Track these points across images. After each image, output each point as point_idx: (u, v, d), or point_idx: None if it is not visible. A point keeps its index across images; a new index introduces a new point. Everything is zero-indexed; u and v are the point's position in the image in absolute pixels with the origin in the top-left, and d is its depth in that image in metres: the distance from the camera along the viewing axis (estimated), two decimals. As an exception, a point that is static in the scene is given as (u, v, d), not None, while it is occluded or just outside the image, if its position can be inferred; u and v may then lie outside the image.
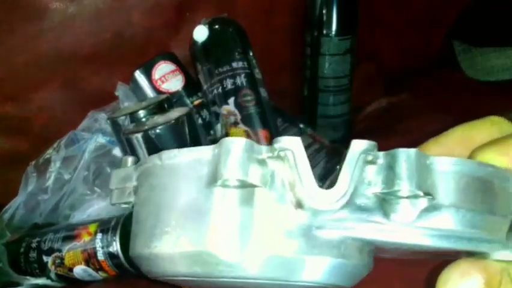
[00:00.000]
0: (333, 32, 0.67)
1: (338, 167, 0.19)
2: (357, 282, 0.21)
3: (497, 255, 0.20)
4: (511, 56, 0.80)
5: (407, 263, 0.47)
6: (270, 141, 0.56)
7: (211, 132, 0.59)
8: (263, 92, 0.58)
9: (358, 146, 0.18)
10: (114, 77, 0.61)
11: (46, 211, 0.58)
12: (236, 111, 0.56)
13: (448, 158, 0.19)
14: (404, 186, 0.17)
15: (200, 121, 0.60)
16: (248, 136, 0.54)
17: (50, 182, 0.58)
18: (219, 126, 0.57)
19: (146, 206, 0.20)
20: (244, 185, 0.18)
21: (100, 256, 0.51)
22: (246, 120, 0.55)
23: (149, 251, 0.19)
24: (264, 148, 0.18)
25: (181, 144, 0.47)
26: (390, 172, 0.18)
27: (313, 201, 0.18)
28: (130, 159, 0.23)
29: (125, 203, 0.22)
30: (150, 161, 0.20)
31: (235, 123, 0.55)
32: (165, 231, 0.19)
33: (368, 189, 0.18)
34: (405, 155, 0.18)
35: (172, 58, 0.62)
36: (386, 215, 0.18)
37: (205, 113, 0.60)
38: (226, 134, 0.56)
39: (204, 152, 0.19)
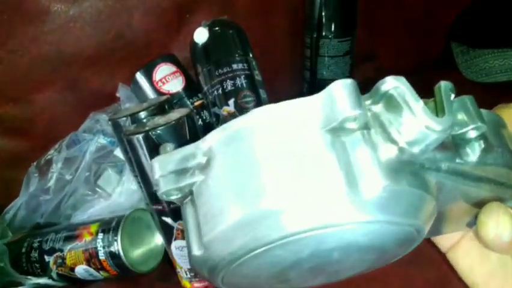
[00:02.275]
0: (333, 34, 0.68)
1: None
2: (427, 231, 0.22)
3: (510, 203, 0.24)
4: (509, 58, 0.80)
5: (407, 263, 0.47)
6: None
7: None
8: (263, 94, 0.58)
9: (446, 85, 0.20)
10: (115, 78, 0.62)
11: (48, 211, 0.58)
12: (236, 113, 0.56)
13: (483, 110, 0.22)
14: (474, 126, 0.20)
15: (200, 122, 0.60)
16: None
17: (51, 183, 0.58)
18: (219, 127, 0.57)
19: (232, 172, 0.19)
20: (360, 127, 0.18)
21: (101, 256, 0.51)
22: (246, 121, 0.55)
23: (250, 210, 0.18)
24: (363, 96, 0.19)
25: (182, 144, 0.47)
26: (458, 114, 0.20)
27: (431, 130, 0.18)
28: (169, 145, 0.21)
29: (179, 189, 0.20)
30: (230, 128, 0.19)
31: (235, 124, 0.55)
32: (271, 184, 0.18)
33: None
34: (470, 100, 0.21)
35: (173, 60, 0.62)
36: (459, 155, 0.21)
37: (205, 114, 0.61)
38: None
39: (303, 102, 0.18)
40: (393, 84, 0.18)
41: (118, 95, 0.61)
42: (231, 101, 0.56)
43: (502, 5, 0.83)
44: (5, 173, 0.63)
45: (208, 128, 0.60)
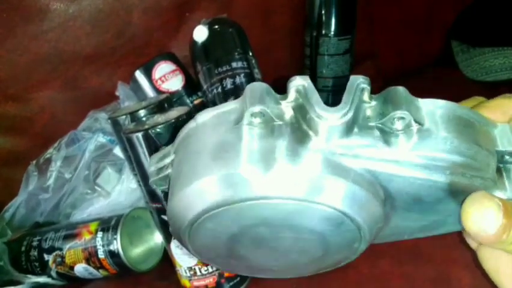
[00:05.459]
0: (332, 32, 0.67)
1: None
2: (372, 225, 0.23)
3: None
4: (509, 56, 0.80)
5: (406, 261, 0.47)
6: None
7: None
8: (262, 92, 0.58)
9: (355, 78, 0.22)
10: (114, 77, 0.62)
11: (47, 210, 0.58)
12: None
13: (431, 99, 0.23)
14: (397, 112, 0.21)
15: (200, 121, 0.60)
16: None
17: (51, 181, 0.58)
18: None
19: (182, 162, 0.23)
20: (266, 120, 0.21)
21: (101, 254, 0.51)
22: (246, 119, 0.55)
23: (190, 186, 0.22)
24: (278, 96, 0.22)
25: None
26: (384, 105, 0.22)
27: (324, 120, 0.21)
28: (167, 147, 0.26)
29: (162, 179, 0.25)
30: (186, 128, 0.24)
31: (235, 123, 0.55)
32: (202, 167, 0.22)
33: (369, 122, 0.22)
34: (395, 90, 0.22)
35: (172, 58, 0.62)
36: (386, 143, 0.21)
37: (205, 112, 0.61)
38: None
39: (230, 104, 0.23)
40: (299, 82, 0.22)
41: (117, 93, 0.60)
42: (231, 100, 0.56)
43: (503, 4, 0.82)
44: (4, 172, 0.63)
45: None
